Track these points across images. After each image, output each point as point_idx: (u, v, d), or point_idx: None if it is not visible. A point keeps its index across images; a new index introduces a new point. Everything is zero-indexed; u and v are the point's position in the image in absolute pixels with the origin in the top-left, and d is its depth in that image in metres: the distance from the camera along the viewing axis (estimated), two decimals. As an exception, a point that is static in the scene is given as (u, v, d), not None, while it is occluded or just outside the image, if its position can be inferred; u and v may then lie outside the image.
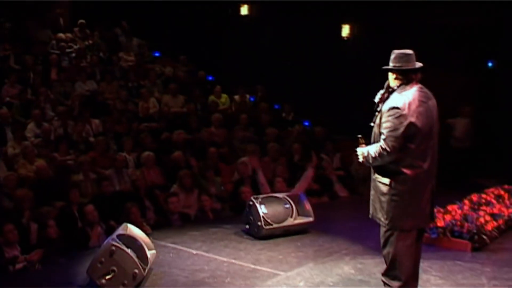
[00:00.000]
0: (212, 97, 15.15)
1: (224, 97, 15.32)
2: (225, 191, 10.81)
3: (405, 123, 5.33)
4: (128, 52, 16.84)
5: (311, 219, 8.18)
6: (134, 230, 6.72)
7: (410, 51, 5.59)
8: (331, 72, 14.63)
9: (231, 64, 16.48)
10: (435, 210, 7.26)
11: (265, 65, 15.65)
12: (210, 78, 16.91)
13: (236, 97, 15.42)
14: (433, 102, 5.55)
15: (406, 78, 5.52)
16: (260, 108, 14.87)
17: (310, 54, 14.92)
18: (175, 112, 14.44)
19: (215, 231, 8.23)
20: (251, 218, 7.92)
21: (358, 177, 11.91)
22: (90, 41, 17.28)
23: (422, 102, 5.44)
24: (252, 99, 15.89)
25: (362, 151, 5.60)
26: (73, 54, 16.57)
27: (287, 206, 8.10)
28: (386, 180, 5.49)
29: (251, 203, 7.90)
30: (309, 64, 14.94)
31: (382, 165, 5.49)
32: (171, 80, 15.85)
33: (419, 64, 5.56)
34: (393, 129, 5.35)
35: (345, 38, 14.61)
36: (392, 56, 5.58)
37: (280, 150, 12.36)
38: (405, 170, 5.42)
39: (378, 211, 5.59)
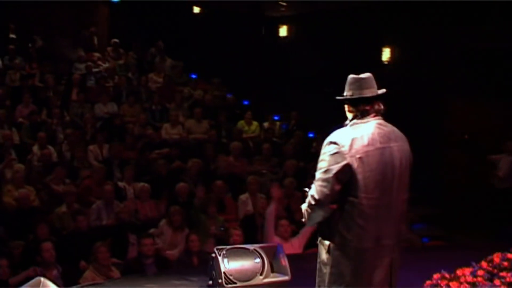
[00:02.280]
0: (241, 123, 13.95)
1: (255, 124, 14.09)
2: (225, 232, 9.48)
3: (342, 163, 3.98)
4: (158, 73, 15.87)
5: (286, 277, 6.67)
6: (46, 285, 5.51)
7: (366, 75, 4.24)
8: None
9: (266, 88, 15.28)
10: (438, 276, 5.81)
11: (302, 90, 14.39)
12: (245, 102, 15.76)
13: (266, 124, 14.18)
14: (399, 145, 4.18)
15: (357, 109, 4.18)
16: (294, 137, 13.51)
17: (340, 78, 13.56)
18: (195, 139, 13.31)
19: (176, 285, 6.89)
20: (213, 273, 6.57)
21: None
22: (121, 61, 16.44)
23: (375, 141, 4.08)
24: (285, 126, 14.61)
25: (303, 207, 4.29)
26: (104, 74, 15.76)
27: (257, 261, 6.65)
28: (326, 244, 4.14)
29: (213, 255, 6.54)
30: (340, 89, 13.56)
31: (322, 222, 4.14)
32: (199, 103, 14.75)
33: (376, 92, 4.20)
34: (325, 170, 4.00)
35: (386, 62, 13.19)
36: (346, 82, 4.29)
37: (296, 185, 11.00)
38: (345, 233, 4.04)
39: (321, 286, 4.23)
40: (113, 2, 18.50)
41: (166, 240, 8.98)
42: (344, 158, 3.98)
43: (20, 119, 13.09)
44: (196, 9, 17.62)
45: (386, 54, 13.25)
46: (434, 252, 9.09)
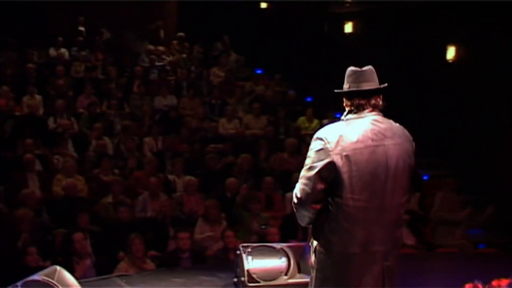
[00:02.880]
0: (302, 120, 13.73)
1: (316, 121, 13.81)
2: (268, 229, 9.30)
3: (325, 161, 3.68)
4: (221, 68, 15.80)
5: (313, 278, 6.46)
6: (62, 277, 5.46)
7: (366, 68, 3.96)
8: (433, 98, 12.79)
9: (329, 85, 14.96)
10: (471, 286, 5.52)
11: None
12: (309, 99, 15.53)
13: (325, 121, 13.88)
14: (397, 143, 3.80)
15: (352, 103, 3.88)
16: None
17: (412, 78, 13.17)
18: (252, 134, 13.17)
19: (204, 280, 6.77)
20: (238, 270, 6.41)
21: (439, 222, 10.09)
22: (185, 55, 16.46)
23: (366, 138, 3.74)
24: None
25: None
26: (167, 67, 15.82)
27: (283, 260, 6.43)
28: (314, 246, 3.88)
29: (238, 252, 6.37)
30: (410, 88, 13.18)
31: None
32: (260, 99, 14.61)
33: (374, 85, 3.89)
34: (308, 167, 3.72)
35: (450, 61, 12.72)
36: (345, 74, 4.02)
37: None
38: (329, 236, 3.75)
39: None
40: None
41: (204, 235, 8.86)
42: (328, 155, 3.67)
43: (80, 110, 13.23)
44: (263, 5, 17.48)
45: (451, 53, 12.78)
46: (484, 259, 8.71)
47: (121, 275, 6.79)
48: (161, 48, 16.64)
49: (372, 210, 3.72)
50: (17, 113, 12.63)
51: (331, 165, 3.67)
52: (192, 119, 13.27)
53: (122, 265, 7.64)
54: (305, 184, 3.71)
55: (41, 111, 12.87)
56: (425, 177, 12.27)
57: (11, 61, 14.41)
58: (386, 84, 3.92)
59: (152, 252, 8.36)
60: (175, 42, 16.95)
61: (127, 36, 16.91)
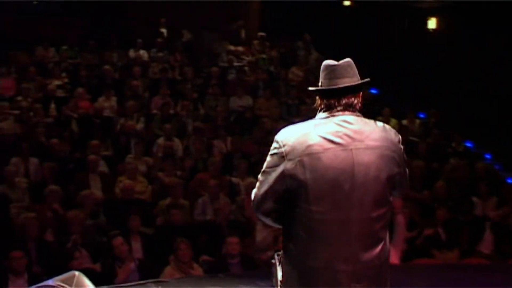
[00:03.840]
0: (378, 120, 13.14)
1: (393, 121, 13.22)
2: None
3: (280, 168, 3.27)
4: (301, 67, 15.42)
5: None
6: (81, 283, 5.24)
7: (341, 62, 3.51)
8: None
9: (410, 84, 14.37)
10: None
11: (447, 87, 13.39)
12: (389, 98, 14.94)
13: (404, 121, 13.29)
14: (371, 148, 3.29)
15: (323, 102, 3.43)
16: (430, 136, 12.58)
17: (496, 76, 12.42)
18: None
19: (239, 289, 6.42)
20: (273, 280, 6.01)
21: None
22: (264, 55, 16.18)
23: (326, 141, 3.26)
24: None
25: None
26: (245, 68, 15.59)
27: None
28: (280, 253, 3.52)
29: (273, 261, 5.97)
30: (493, 88, 12.46)
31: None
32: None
33: (347, 83, 3.40)
34: (262, 171, 3.35)
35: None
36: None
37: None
38: (293, 247, 3.35)
39: None
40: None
41: (259, 240, 8.52)
42: (282, 161, 3.26)
43: (154, 111, 13.17)
44: (347, 2, 17.00)
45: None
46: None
47: (158, 281, 6.54)
48: (240, 48, 16.44)
49: (333, 223, 3.23)
50: (90, 114, 12.65)
51: (285, 173, 3.24)
52: (267, 120, 12.96)
53: (168, 269, 7.41)
54: (257, 190, 3.35)
55: (114, 113, 12.87)
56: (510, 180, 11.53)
57: (88, 63, 14.53)
58: (362, 81, 3.44)
59: (204, 257, 8.10)
60: (255, 42, 16.71)
61: (208, 36, 16.78)
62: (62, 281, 5.11)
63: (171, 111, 13.11)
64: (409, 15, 15.15)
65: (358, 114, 3.40)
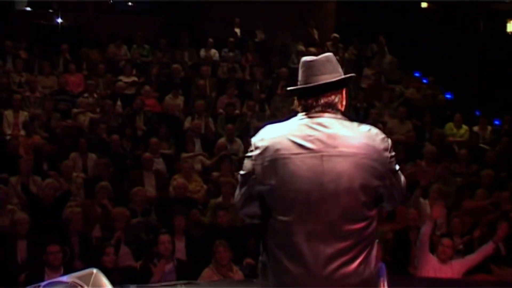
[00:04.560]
0: (449, 126, 12.70)
1: (464, 128, 12.74)
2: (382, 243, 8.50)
3: (250, 172, 3.05)
4: (373, 70, 15.05)
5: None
6: (98, 281, 5.14)
7: (320, 56, 3.20)
8: None
9: (487, 88, 13.81)
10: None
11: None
12: (461, 103, 14.40)
13: (475, 128, 12.76)
14: (348, 154, 2.96)
15: (300, 102, 3.16)
16: (501, 143, 12.01)
17: None
18: (395, 140, 12.30)
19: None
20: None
21: None
22: (337, 57, 15.82)
23: (295, 146, 2.99)
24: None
25: None
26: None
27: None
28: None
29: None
30: None
31: None
32: (408, 103, 13.72)
33: (324, 79, 3.10)
34: (239, 175, 3.14)
35: None
36: None
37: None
38: (264, 257, 3.12)
39: None
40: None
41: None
42: (251, 164, 3.04)
43: (220, 110, 13.11)
44: (424, 4, 16.51)
45: None
46: None
47: (188, 283, 6.41)
48: (312, 49, 16.12)
49: (300, 237, 2.93)
50: (156, 112, 12.68)
51: (253, 177, 3.03)
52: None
53: (207, 271, 7.27)
54: (236, 193, 3.14)
55: (181, 111, 12.86)
56: None
57: (159, 61, 14.59)
58: (342, 76, 3.14)
59: (248, 260, 7.94)
60: (328, 43, 16.40)
61: (281, 37, 16.60)
62: (79, 278, 5.03)
63: (237, 111, 13.00)
64: (486, 17, 14.54)
65: (340, 115, 3.12)
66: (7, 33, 14.40)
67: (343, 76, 3.16)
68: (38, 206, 8.46)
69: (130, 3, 17.36)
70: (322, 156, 2.95)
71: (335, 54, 15.09)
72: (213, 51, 15.60)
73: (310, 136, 2.99)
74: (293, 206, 2.94)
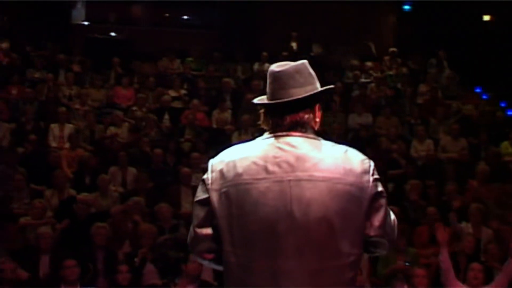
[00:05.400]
0: (505, 144, 12.10)
1: (520, 148, 12.13)
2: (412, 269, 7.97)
3: (204, 199, 2.66)
4: (430, 85, 14.53)
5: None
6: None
7: (288, 66, 2.75)
8: None
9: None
10: None
11: None
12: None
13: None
14: (309, 180, 2.55)
15: (266, 119, 2.77)
16: None
17: None
18: (448, 158, 11.81)
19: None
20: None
21: None
22: (394, 71, 15.42)
23: (259, 170, 2.59)
24: None
25: None
26: (371, 84, 14.93)
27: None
28: None
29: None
30: None
31: None
32: (465, 119, 13.18)
33: (290, 95, 2.68)
34: (193, 203, 2.75)
35: None
36: None
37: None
38: None
39: None
40: (403, 10, 17.55)
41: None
42: (206, 190, 2.65)
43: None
44: (486, 17, 15.90)
45: None
46: None
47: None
48: (370, 63, 15.78)
49: (263, 275, 2.53)
50: (203, 126, 12.52)
51: (207, 206, 2.63)
52: (384, 140, 12.27)
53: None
54: (191, 227, 2.73)
55: (228, 125, 12.68)
56: None
57: (212, 75, 14.46)
58: (311, 92, 2.70)
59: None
60: (386, 57, 15.99)
61: (338, 51, 16.30)
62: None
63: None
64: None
65: (311, 135, 2.68)
66: (62, 47, 14.53)
67: (314, 91, 2.71)
68: (71, 221, 8.38)
69: (185, 17, 17.32)
70: (289, 181, 2.55)
71: (392, 68, 14.87)
72: (266, 65, 15.36)
73: (276, 157, 2.59)
74: (256, 239, 2.53)
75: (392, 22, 17.40)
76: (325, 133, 12.41)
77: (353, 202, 2.57)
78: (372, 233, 2.64)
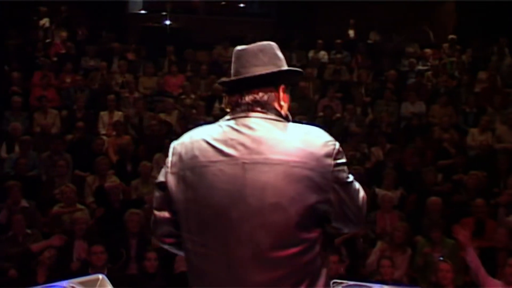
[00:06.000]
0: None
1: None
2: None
3: (163, 183, 2.57)
4: (489, 73, 14.06)
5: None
6: (103, 287, 4.94)
7: (253, 45, 2.65)
8: None
9: None
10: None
11: None
12: None
13: None
14: (264, 163, 2.42)
15: (227, 99, 2.64)
16: None
17: None
18: (504, 148, 11.40)
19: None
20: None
21: None
22: (453, 59, 14.98)
23: (213, 152, 2.48)
24: None
25: None
26: (428, 72, 14.56)
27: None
28: None
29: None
30: None
31: None
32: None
33: (253, 72, 2.57)
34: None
35: None
36: None
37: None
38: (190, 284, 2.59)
39: None
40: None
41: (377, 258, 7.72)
42: (166, 174, 2.57)
43: (320, 113, 12.71)
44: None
45: None
46: None
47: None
48: (428, 51, 15.37)
49: (218, 262, 2.45)
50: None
51: (166, 190, 2.56)
52: (437, 129, 11.97)
53: None
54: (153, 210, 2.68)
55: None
56: None
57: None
58: (274, 70, 2.58)
59: None
60: (445, 45, 15.56)
61: (396, 38, 15.95)
62: (81, 283, 4.87)
63: (338, 115, 12.57)
64: None
65: (272, 116, 2.54)
66: (117, 36, 14.69)
67: (275, 70, 2.58)
68: (107, 207, 8.46)
69: (241, 5, 17.26)
70: (244, 164, 2.42)
71: (451, 56, 14.43)
72: (322, 53, 15.23)
73: (232, 139, 2.47)
74: (211, 225, 2.44)
75: (451, 8, 16.88)
76: (376, 122, 12.23)
77: (312, 187, 2.43)
78: (333, 222, 2.55)
